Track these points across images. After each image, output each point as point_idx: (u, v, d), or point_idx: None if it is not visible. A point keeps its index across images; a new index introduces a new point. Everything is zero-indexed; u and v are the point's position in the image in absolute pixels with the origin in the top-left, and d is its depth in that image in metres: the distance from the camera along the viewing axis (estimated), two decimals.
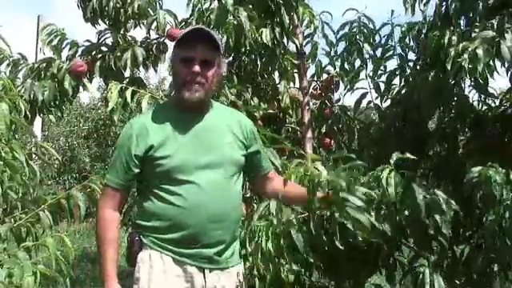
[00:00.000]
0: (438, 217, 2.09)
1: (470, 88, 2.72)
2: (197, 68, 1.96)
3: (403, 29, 3.13)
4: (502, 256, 2.17)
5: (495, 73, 2.40)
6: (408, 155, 2.14)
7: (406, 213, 2.16)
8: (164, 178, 1.96)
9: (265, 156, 2.22)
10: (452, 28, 2.60)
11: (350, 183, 2.03)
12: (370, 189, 2.12)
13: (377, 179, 2.16)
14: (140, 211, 2.03)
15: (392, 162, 2.16)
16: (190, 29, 2.07)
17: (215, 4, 3.06)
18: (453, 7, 2.68)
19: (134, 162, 1.98)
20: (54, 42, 3.31)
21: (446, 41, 2.55)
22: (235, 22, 2.93)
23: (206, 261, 1.98)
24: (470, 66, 2.32)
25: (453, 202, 2.12)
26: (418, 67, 2.97)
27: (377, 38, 3.35)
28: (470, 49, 2.34)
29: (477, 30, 2.45)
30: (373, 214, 2.07)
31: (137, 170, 1.99)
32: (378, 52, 3.31)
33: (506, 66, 2.36)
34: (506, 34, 2.32)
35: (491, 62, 2.34)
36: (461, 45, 2.38)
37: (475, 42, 2.35)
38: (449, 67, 2.38)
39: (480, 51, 2.31)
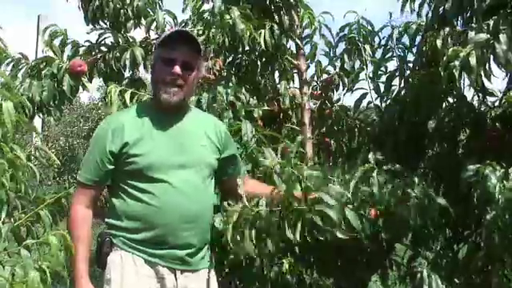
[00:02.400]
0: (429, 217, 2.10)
1: (470, 87, 2.72)
2: (177, 69, 1.97)
3: (400, 29, 3.12)
4: (499, 254, 2.17)
5: (494, 73, 2.39)
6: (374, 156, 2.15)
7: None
8: (137, 176, 1.95)
9: (240, 160, 2.25)
10: (448, 29, 2.58)
11: (322, 181, 2.05)
12: (358, 187, 2.14)
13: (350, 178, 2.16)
14: (110, 209, 2.02)
15: (372, 161, 2.18)
16: (173, 30, 2.08)
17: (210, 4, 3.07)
18: (448, 7, 2.67)
19: (108, 159, 1.97)
20: (56, 43, 3.31)
21: (440, 42, 2.53)
22: (230, 22, 2.93)
23: (178, 262, 1.97)
24: (460, 72, 2.30)
25: (439, 198, 2.14)
26: (416, 67, 2.97)
27: (376, 39, 3.36)
28: (461, 54, 2.29)
29: (473, 32, 2.42)
30: (349, 212, 2.07)
31: (110, 167, 1.98)
32: (378, 53, 3.31)
33: (502, 68, 2.33)
34: (500, 36, 2.27)
35: (486, 67, 2.31)
36: (451, 49, 2.35)
37: (467, 47, 2.29)
38: (442, 72, 2.35)
39: (473, 59, 2.25)
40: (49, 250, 1.97)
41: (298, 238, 2.01)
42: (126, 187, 1.97)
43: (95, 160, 1.99)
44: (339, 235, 2.02)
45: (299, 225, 2.01)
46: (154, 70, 2.05)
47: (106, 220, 2.03)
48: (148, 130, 2.00)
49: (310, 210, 2.03)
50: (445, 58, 2.34)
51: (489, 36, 2.30)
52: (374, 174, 2.14)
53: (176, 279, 1.97)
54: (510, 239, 2.11)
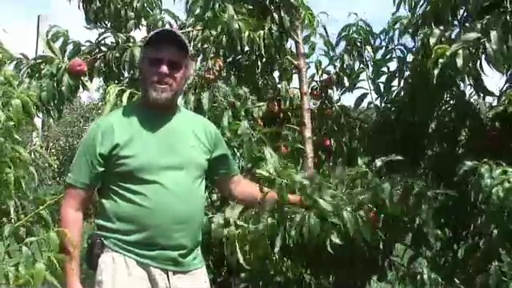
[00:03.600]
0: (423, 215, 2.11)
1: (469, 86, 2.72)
2: (164, 69, 1.96)
3: (389, 24, 3.13)
4: (496, 252, 2.18)
5: (488, 72, 2.39)
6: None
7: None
8: (127, 178, 1.94)
9: (232, 159, 2.26)
10: (442, 27, 2.58)
11: (320, 186, 2.06)
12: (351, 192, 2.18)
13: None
14: (101, 211, 2.00)
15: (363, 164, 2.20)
16: (159, 30, 2.08)
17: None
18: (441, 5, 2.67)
19: (98, 161, 1.96)
20: (58, 44, 3.30)
21: (433, 41, 2.52)
22: (226, 21, 2.92)
23: (171, 263, 1.96)
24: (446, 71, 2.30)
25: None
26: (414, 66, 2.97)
27: (378, 40, 3.37)
28: (447, 53, 2.29)
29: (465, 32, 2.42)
30: (347, 215, 2.10)
31: (101, 169, 1.97)
32: (379, 55, 3.32)
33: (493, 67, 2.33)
34: (491, 35, 2.26)
35: (477, 65, 2.31)
36: (437, 47, 2.34)
37: (453, 45, 2.29)
38: (431, 69, 2.35)
39: (460, 60, 2.26)
40: (48, 247, 1.97)
41: (291, 244, 2.02)
42: (116, 188, 1.96)
43: (85, 162, 1.98)
44: (334, 240, 2.03)
45: (295, 230, 2.03)
46: (142, 70, 2.05)
47: (96, 221, 2.01)
48: (137, 131, 1.99)
49: (308, 216, 2.04)
50: (433, 56, 2.34)
51: (479, 35, 2.30)
52: (369, 177, 2.15)
53: (168, 280, 1.96)
54: (506, 237, 2.12)
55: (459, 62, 2.25)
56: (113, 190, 1.97)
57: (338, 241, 2.06)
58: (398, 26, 3.14)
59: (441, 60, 2.29)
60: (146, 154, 1.96)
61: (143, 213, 1.93)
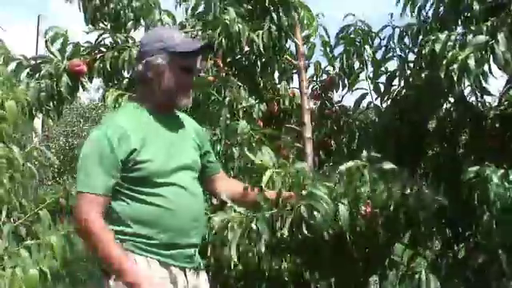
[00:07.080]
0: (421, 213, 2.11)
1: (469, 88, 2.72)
2: (193, 79, 2.08)
3: (401, 29, 3.12)
4: (495, 253, 2.18)
5: (494, 73, 2.40)
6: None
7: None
8: (144, 182, 1.93)
9: (214, 158, 2.29)
10: (447, 31, 2.58)
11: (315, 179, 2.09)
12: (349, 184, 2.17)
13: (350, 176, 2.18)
14: (114, 216, 1.95)
15: (364, 158, 2.20)
16: (195, 41, 2.15)
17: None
18: (446, 8, 2.67)
19: (117, 167, 1.92)
20: (57, 44, 3.30)
21: (438, 47, 2.52)
22: (227, 22, 2.93)
23: (188, 260, 1.99)
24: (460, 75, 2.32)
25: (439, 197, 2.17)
26: (417, 67, 2.97)
27: (376, 40, 3.36)
28: (460, 57, 2.31)
29: (471, 35, 2.42)
30: (342, 207, 2.10)
31: (119, 174, 1.93)
32: (379, 54, 3.31)
33: (501, 69, 2.34)
34: (499, 37, 2.28)
35: (486, 67, 2.33)
36: (450, 54, 2.36)
37: (466, 50, 2.32)
38: (442, 75, 2.37)
39: (471, 62, 2.28)
40: (50, 250, 1.96)
41: (286, 233, 2.02)
42: (129, 192, 1.93)
43: (103, 170, 1.91)
44: (326, 231, 2.04)
45: (289, 219, 2.04)
46: (171, 77, 2.01)
47: (109, 227, 1.92)
48: (149, 135, 1.99)
49: (301, 205, 2.05)
50: (444, 62, 2.35)
51: (488, 38, 2.31)
52: (366, 172, 2.14)
53: (186, 277, 1.99)
54: (507, 237, 2.12)
55: (471, 63, 2.29)
56: (125, 194, 1.94)
57: (329, 231, 2.06)
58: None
59: (455, 66, 2.32)
60: (160, 157, 1.96)
61: (167, 215, 1.93)
